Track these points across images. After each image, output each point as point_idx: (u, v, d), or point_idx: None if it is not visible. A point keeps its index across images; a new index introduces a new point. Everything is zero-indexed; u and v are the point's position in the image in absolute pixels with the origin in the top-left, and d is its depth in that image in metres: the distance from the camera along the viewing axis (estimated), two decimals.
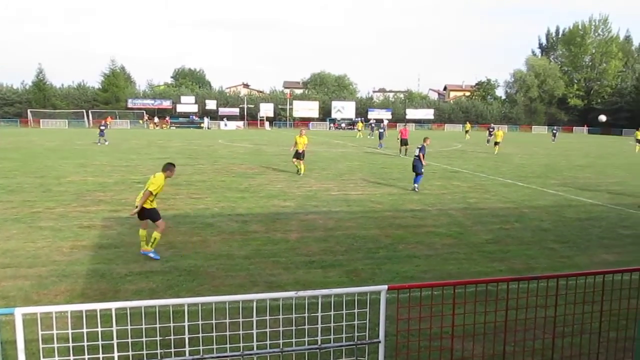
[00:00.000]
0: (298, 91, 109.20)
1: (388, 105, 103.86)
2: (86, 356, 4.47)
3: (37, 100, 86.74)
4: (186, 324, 4.55)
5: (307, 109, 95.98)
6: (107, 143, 41.00)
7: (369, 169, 27.02)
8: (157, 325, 4.74)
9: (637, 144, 47.11)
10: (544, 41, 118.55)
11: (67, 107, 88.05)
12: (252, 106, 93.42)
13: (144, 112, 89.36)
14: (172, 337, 4.84)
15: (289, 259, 10.34)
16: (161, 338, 4.89)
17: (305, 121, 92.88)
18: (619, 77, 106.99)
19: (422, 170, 19.84)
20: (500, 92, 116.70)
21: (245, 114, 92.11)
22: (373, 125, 67.13)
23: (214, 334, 4.92)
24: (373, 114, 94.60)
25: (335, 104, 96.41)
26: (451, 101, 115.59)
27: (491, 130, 58.24)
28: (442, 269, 9.90)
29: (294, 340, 5.02)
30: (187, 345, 4.61)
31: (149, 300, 5.47)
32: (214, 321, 5.01)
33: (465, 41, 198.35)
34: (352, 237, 12.14)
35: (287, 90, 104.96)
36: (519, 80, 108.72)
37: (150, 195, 10.00)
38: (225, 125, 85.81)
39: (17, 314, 4.06)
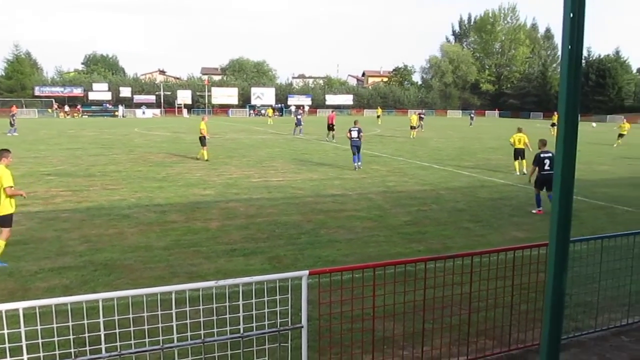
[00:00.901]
0: (216, 78, 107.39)
1: (308, 92, 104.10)
2: None
3: None
4: (101, 320, 4.38)
5: (226, 95, 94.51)
6: (15, 134, 38.59)
7: (289, 155, 27.04)
8: (70, 324, 4.52)
9: (552, 127, 48.38)
10: (457, 28, 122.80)
11: None
12: (169, 93, 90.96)
13: (53, 100, 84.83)
14: (86, 334, 4.64)
15: (210, 248, 10.19)
16: (75, 336, 4.67)
17: (224, 108, 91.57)
18: (526, 63, 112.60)
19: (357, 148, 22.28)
20: (416, 78, 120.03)
21: (162, 101, 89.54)
22: (297, 113, 67.50)
23: (132, 328, 4.76)
24: (293, 100, 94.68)
25: (255, 91, 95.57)
26: (370, 87, 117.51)
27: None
28: (363, 251, 10.07)
29: (215, 330, 4.95)
30: (103, 343, 4.44)
31: (60, 297, 5.20)
32: (131, 315, 4.84)
33: (382, 28, 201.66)
34: (274, 224, 12.12)
35: (205, 77, 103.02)
36: (434, 66, 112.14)
37: (11, 189, 9.00)
38: (144, 113, 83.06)
39: None
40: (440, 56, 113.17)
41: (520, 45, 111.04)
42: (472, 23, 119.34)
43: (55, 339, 4.64)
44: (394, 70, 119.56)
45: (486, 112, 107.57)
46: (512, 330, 6.16)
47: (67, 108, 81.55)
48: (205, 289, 5.09)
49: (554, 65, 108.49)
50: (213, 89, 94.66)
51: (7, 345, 4.34)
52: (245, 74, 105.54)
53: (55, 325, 4.47)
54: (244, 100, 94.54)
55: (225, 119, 74.56)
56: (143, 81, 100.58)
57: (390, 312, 5.76)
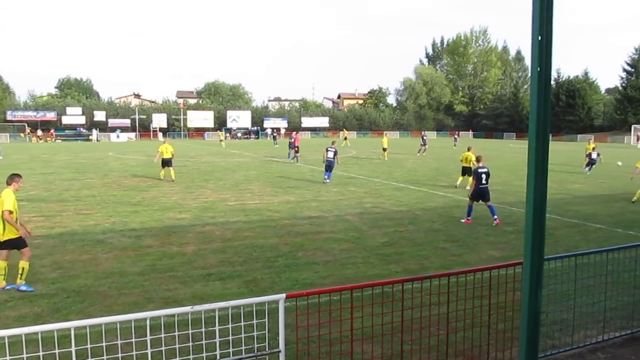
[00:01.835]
0: (192, 101, 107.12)
1: (284, 114, 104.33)
2: None
3: None
4: (73, 349, 4.28)
5: (201, 118, 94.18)
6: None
7: (266, 177, 26.98)
8: (41, 353, 4.41)
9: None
10: (430, 51, 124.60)
11: None
12: (144, 117, 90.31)
13: (26, 124, 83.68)
14: None
15: (186, 272, 10.06)
16: None
17: (200, 131, 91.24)
18: (498, 84, 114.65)
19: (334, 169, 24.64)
20: (391, 100, 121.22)
21: (137, 125, 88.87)
22: (275, 135, 68.15)
23: (105, 357, 4.66)
24: (269, 123, 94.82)
25: (231, 114, 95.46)
26: (345, 109, 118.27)
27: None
28: (341, 273, 10.04)
29: (191, 356, 4.87)
30: None
31: (31, 326, 5.07)
32: (104, 344, 4.73)
33: (357, 51, 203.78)
34: (251, 247, 12.04)
35: (181, 100, 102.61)
36: (409, 88, 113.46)
37: (10, 216, 8.94)
38: (118, 137, 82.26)
39: None
40: (415, 78, 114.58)
41: (492, 67, 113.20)
42: (445, 46, 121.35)
43: None
44: (369, 92, 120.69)
45: (460, 132, 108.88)
46: (490, 349, 6.17)
47: (39, 132, 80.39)
48: (181, 314, 5.02)
49: (525, 86, 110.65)
50: (189, 112, 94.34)
51: None
52: (221, 97, 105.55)
53: (25, 356, 4.35)
54: (220, 124, 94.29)
55: (201, 142, 74.28)
56: (118, 105, 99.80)
57: (369, 335, 5.73)
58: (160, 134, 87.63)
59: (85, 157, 42.77)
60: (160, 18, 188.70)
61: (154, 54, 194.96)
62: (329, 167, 24.42)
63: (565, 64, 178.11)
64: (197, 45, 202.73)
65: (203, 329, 5.05)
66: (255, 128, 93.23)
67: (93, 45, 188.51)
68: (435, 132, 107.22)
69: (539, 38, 3.02)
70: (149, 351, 4.59)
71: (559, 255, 6.89)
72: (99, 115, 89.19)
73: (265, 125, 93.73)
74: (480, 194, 15.24)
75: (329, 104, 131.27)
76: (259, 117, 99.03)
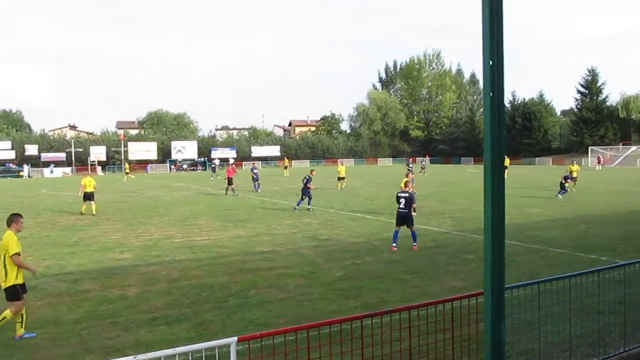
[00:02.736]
0: (133, 132, 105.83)
1: (232, 144, 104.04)
2: None
3: None
4: None
5: (144, 150, 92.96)
6: None
7: (214, 211, 26.70)
8: None
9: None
10: (383, 75, 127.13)
11: None
12: (81, 150, 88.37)
13: None
14: None
15: (129, 317, 9.78)
16: None
17: (142, 164, 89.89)
18: (454, 108, 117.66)
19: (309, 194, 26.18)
20: (345, 126, 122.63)
21: (74, 158, 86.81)
22: (215, 166, 67.11)
23: None
24: (217, 153, 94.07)
25: (175, 144, 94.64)
26: (297, 137, 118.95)
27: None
28: (296, 311, 9.95)
29: None
30: None
31: None
32: None
33: (308, 76, 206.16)
34: (199, 287, 11.83)
35: (121, 131, 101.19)
36: (362, 113, 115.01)
37: (19, 257, 8.87)
38: (52, 172, 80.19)
39: None
40: (368, 104, 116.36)
41: (446, 90, 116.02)
42: (398, 70, 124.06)
43: None
44: (321, 119, 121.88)
45: (417, 158, 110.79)
46: None
47: None
48: None
49: (481, 109, 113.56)
50: (130, 143, 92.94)
51: None
52: (164, 127, 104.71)
53: None
54: (164, 155, 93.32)
55: (144, 175, 73.05)
56: (52, 137, 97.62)
57: None
58: (99, 168, 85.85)
59: (15, 195, 41.47)
60: (95, 43, 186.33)
61: (90, 82, 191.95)
62: (305, 193, 26.40)
63: (520, 86, 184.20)
64: (137, 72, 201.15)
65: None
66: (202, 159, 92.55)
67: (23, 73, 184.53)
68: (391, 159, 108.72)
69: (490, 63, 3.12)
70: None
71: (522, 284, 7.00)
72: (31, 150, 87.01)
73: (213, 156, 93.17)
74: (400, 218, 15.83)
75: (280, 132, 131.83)
76: (205, 147, 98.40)
